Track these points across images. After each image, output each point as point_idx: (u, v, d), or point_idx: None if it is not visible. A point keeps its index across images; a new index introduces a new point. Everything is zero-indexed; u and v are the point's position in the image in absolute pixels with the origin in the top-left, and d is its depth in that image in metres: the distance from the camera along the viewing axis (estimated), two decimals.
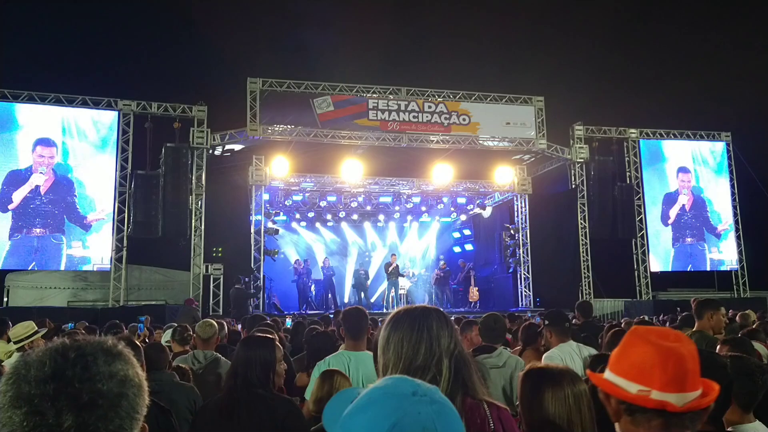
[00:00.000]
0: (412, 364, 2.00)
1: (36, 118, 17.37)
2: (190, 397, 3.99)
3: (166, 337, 6.72)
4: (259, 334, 3.58)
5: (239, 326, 9.55)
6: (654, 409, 1.51)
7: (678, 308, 14.07)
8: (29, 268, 17.42)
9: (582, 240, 20.59)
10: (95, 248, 17.52)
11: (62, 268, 17.49)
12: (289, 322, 12.45)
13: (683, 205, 21.96)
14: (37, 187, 16.96)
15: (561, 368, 2.47)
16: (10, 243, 16.73)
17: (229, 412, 3.10)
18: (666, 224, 21.73)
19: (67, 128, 17.52)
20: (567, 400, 2.29)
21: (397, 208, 22.41)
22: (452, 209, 23.07)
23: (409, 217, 24.11)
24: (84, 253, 17.41)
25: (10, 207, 16.76)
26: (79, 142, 17.61)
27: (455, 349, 2.04)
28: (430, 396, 1.12)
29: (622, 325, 7.38)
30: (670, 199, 21.87)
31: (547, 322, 5.15)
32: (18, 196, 16.84)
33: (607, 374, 1.61)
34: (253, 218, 18.73)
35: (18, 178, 16.98)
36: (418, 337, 2.03)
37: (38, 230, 16.92)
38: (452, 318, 2.29)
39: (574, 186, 21.02)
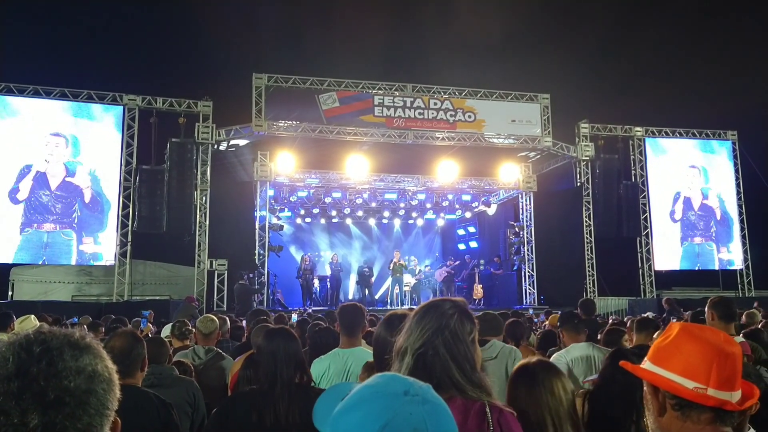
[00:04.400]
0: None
1: (45, 113, 17.40)
2: (190, 391, 3.98)
3: (165, 332, 6.72)
4: (282, 326, 3.55)
5: (243, 322, 9.53)
6: (710, 407, 1.53)
7: (682, 308, 14.01)
8: (39, 263, 17.53)
9: (587, 238, 20.55)
10: (107, 244, 17.59)
11: (73, 263, 17.57)
12: (295, 317, 12.43)
13: (691, 204, 21.89)
14: (46, 180, 16.99)
15: (539, 363, 2.47)
16: (21, 238, 16.78)
17: (271, 409, 3.04)
18: (675, 221, 21.68)
19: (77, 123, 17.58)
20: (542, 394, 2.33)
21: (402, 204, 22.38)
22: (457, 206, 23.02)
23: (414, 214, 24.10)
24: (96, 249, 17.46)
25: (19, 197, 16.79)
26: (88, 138, 17.64)
27: (421, 347, 2.01)
28: (422, 395, 1.09)
29: (627, 324, 7.36)
30: (676, 197, 21.81)
31: (558, 324, 5.19)
32: (25, 185, 16.87)
33: (655, 369, 1.62)
34: (258, 214, 18.72)
35: (28, 171, 17.04)
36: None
37: (49, 226, 16.96)
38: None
39: (579, 184, 20.98)
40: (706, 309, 4.82)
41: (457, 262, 22.54)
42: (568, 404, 2.37)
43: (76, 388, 1.01)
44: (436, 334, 2.02)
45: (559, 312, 12.20)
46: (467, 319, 2.10)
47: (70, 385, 1.01)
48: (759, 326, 6.30)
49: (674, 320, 9.87)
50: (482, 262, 22.31)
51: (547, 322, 9.05)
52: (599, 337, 5.82)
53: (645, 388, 1.68)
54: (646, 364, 1.66)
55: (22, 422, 0.96)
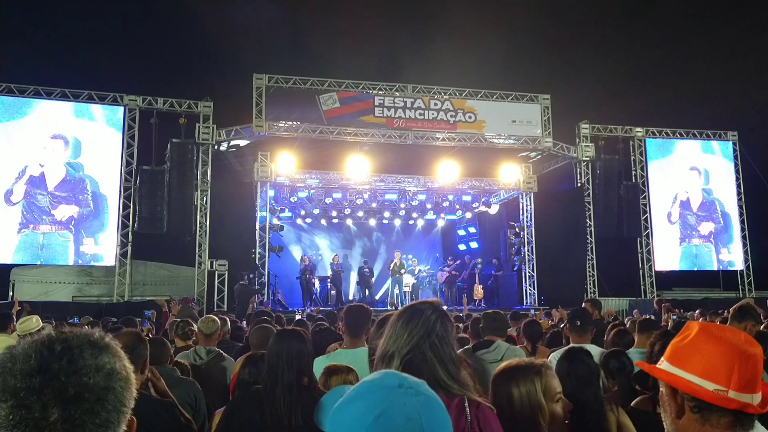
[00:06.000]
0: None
1: (47, 114, 17.37)
2: (191, 392, 3.97)
3: None
4: (295, 328, 3.53)
5: (244, 323, 9.52)
6: (731, 409, 1.49)
7: (681, 309, 14.01)
8: (37, 264, 17.52)
9: (587, 238, 20.54)
10: (107, 245, 17.58)
11: (70, 264, 17.55)
12: (297, 318, 12.43)
13: (691, 204, 21.89)
14: (44, 181, 16.98)
15: (515, 365, 2.51)
16: (18, 238, 16.76)
17: (272, 409, 3.02)
18: (671, 223, 21.68)
19: (77, 124, 17.56)
20: (515, 395, 2.38)
21: (402, 205, 22.36)
22: (457, 207, 23.01)
23: (414, 215, 24.11)
24: (96, 250, 17.44)
25: (13, 200, 16.78)
26: (89, 138, 17.61)
27: (409, 353, 2.09)
28: (415, 388, 1.17)
29: (627, 324, 7.35)
30: (676, 198, 21.81)
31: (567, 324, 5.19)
32: (19, 187, 16.85)
33: (673, 369, 1.58)
34: (258, 214, 18.69)
35: (24, 173, 17.01)
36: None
37: (45, 227, 16.93)
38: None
39: (579, 184, 20.99)
40: (730, 313, 4.80)
41: (457, 262, 22.52)
42: (538, 403, 2.39)
43: (95, 385, 1.06)
44: (424, 339, 2.11)
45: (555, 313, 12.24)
46: (448, 320, 2.20)
47: (89, 381, 1.05)
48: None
49: (674, 320, 9.88)
50: (480, 262, 22.31)
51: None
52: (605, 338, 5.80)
53: (662, 389, 1.64)
54: (663, 364, 1.62)
55: (43, 416, 1.01)
